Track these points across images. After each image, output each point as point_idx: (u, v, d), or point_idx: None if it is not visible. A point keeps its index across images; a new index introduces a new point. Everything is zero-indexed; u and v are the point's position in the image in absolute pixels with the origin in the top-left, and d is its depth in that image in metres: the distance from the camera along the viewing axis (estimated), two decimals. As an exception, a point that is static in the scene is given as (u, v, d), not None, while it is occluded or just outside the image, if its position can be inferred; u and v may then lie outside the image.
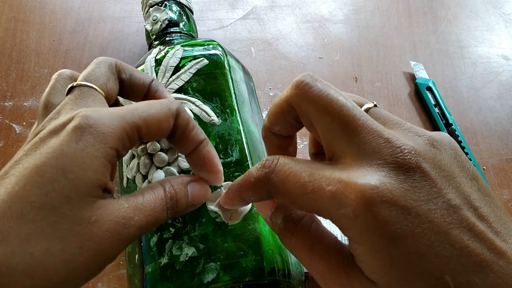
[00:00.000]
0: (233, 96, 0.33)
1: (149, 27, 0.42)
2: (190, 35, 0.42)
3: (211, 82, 0.33)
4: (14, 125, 0.46)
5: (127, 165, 0.32)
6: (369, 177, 0.17)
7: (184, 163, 0.30)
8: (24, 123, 0.46)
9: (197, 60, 0.34)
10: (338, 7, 0.57)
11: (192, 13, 0.45)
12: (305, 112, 0.20)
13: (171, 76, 0.33)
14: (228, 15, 0.55)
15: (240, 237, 0.27)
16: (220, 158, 0.30)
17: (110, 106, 0.25)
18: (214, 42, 0.36)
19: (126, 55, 0.51)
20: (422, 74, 0.51)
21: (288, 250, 0.21)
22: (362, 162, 0.18)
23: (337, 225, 0.18)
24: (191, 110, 0.32)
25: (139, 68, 0.35)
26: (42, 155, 0.19)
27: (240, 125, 0.32)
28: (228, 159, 0.30)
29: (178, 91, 0.33)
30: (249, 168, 0.30)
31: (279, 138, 0.23)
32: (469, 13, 0.57)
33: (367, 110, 0.20)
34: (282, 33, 0.54)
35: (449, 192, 0.17)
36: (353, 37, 0.54)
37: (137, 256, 0.28)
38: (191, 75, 0.33)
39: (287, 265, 0.28)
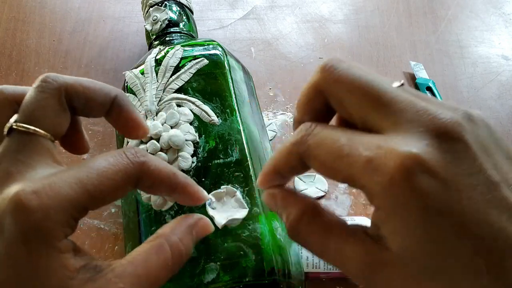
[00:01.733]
0: (233, 96, 0.33)
1: (149, 27, 0.42)
2: (190, 35, 0.42)
3: (211, 82, 0.33)
4: (14, 125, 0.46)
5: None
6: (410, 145, 0.16)
7: (184, 163, 0.30)
8: (24, 123, 0.46)
9: (197, 60, 0.34)
10: (338, 7, 0.57)
11: (192, 13, 0.45)
12: (335, 94, 0.20)
13: (171, 76, 0.33)
14: (228, 15, 0.55)
15: (240, 237, 0.27)
16: (220, 158, 0.30)
17: (60, 139, 0.22)
18: (214, 42, 0.36)
19: (126, 55, 0.51)
20: (422, 74, 0.51)
21: (301, 242, 0.20)
22: (401, 130, 0.17)
23: (366, 194, 0.17)
24: (191, 110, 0.32)
25: (139, 69, 0.35)
26: None
27: (240, 125, 0.32)
28: (228, 159, 0.30)
29: (178, 91, 0.33)
30: (249, 168, 0.30)
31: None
32: (469, 13, 0.57)
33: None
34: (282, 33, 0.54)
35: (490, 167, 0.16)
36: (353, 37, 0.54)
37: None
38: (191, 75, 0.33)
39: (287, 265, 0.28)
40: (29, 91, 0.21)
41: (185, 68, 0.34)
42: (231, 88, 0.33)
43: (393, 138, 0.17)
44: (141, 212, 0.30)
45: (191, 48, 0.35)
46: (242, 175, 0.29)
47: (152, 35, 0.42)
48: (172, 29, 0.41)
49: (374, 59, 0.53)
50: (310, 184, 0.43)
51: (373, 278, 0.17)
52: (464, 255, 0.15)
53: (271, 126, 0.47)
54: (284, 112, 0.48)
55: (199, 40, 0.37)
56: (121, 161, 0.19)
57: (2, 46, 0.52)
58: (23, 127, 0.20)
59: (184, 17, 0.43)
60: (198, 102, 0.32)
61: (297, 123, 0.22)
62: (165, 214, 0.29)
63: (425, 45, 0.54)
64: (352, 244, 0.18)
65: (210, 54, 0.35)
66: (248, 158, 0.30)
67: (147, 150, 0.30)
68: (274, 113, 0.48)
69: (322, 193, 0.43)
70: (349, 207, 0.42)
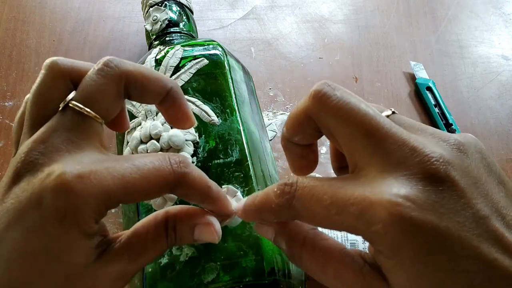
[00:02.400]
0: (233, 96, 0.33)
1: (149, 27, 0.42)
2: (190, 35, 0.42)
3: (211, 82, 0.33)
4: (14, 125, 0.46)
5: None
6: (395, 191, 0.16)
7: None
8: (24, 123, 0.46)
9: (197, 60, 0.34)
10: (338, 7, 0.57)
11: (192, 13, 0.45)
12: (325, 123, 0.20)
13: (171, 76, 0.33)
14: (228, 15, 0.55)
15: (240, 237, 0.27)
16: (220, 158, 0.30)
17: (115, 124, 0.23)
18: (214, 42, 0.36)
19: (126, 55, 0.51)
20: (422, 74, 0.51)
21: (302, 266, 0.21)
22: (387, 174, 0.17)
23: (367, 241, 0.18)
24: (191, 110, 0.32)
25: None
26: (24, 235, 0.17)
27: (240, 125, 0.32)
28: (228, 159, 0.30)
29: None
30: (249, 168, 0.30)
31: (300, 147, 0.23)
32: (469, 13, 0.57)
33: (387, 117, 0.20)
34: (282, 33, 0.54)
35: (478, 202, 0.17)
36: (353, 37, 0.54)
37: None
38: (191, 75, 0.33)
39: (287, 265, 0.28)
40: (90, 71, 0.21)
41: (185, 68, 0.34)
42: (231, 88, 0.33)
43: (378, 185, 0.17)
44: (141, 212, 0.30)
45: (191, 48, 0.35)
46: (242, 175, 0.29)
47: (152, 35, 0.42)
48: (172, 29, 0.41)
49: (374, 59, 0.53)
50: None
51: None
52: None
53: (271, 126, 0.47)
54: (284, 112, 0.48)
55: (199, 40, 0.37)
56: (165, 168, 0.19)
57: (2, 46, 0.52)
58: (79, 107, 0.20)
59: (184, 17, 0.43)
60: (198, 102, 0.32)
61: (285, 140, 0.23)
62: None
63: (425, 45, 0.54)
64: (351, 273, 0.19)
65: (210, 54, 0.35)
66: (248, 158, 0.30)
67: (147, 150, 0.30)
68: (274, 113, 0.48)
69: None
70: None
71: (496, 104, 0.50)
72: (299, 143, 0.22)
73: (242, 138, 0.31)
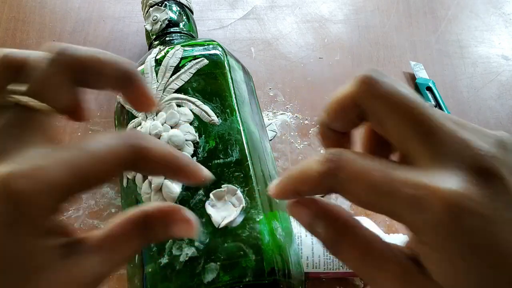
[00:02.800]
0: (233, 96, 0.33)
1: (149, 27, 0.42)
2: (190, 35, 0.42)
3: (211, 82, 0.33)
4: (14, 125, 0.46)
5: None
6: (452, 182, 0.16)
7: None
8: (24, 123, 0.46)
9: (197, 60, 0.34)
10: (338, 7, 0.57)
11: (192, 13, 0.45)
12: (373, 110, 0.19)
13: (171, 76, 0.33)
14: (228, 15, 0.55)
15: (239, 237, 0.27)
16: (220, 158, 0.30)
17: (70, 114, 0.21)
18: (214, 42, 0.36)
19: (126, 55, 0.51)
20: (422, 74, 0.51)
21: (340, 260, 0.20)
22: (441, 165, 0.17)
23: (410, 228, 0.17)
24: (191, 110, 0.32)
25: (139, 68, 0.35)
26: None
27: (240, 125, 0.32)
28: (228, 159, 0.30)
29: (178, 91, 0.33)
30: (249, 168, 0.30)
31: (337, 134, 0.22)
32: (469, 13, 0.57)
33: None
34: (282, 33, 0.54)
35: None
36: (353, 37, 0.54)
37: (137, 256, 0.28)
38: (191, 75, 0.33)
39: (287, 265, 0.28)
40: (39, 60, 0.19)
41: (185, 68, 0.33)
42: (231, 88, 0.33)
43: (434, 175, 0.17)
44: None
45: (191, 48, 0.35)
46: (242, 175, 0.29)
47: (152, 35, 0.42)
48: (172, 29, 0.41)
49: (374, 59, 0.53)
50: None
51: None
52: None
53: (271, 126, 0.47)
54: (284, 112, 0.48)
55: (199, 40, 0.37)
56: (116, 143, 0.18)
57: (2, 46, 0.51)
58: (25, 101, 0.18)
59: (184, 17, 0.43)
60: (198, 102, 0.32)
61: (324, 126, 0.22)
62: None
63: (425, 45, 0.54)
64: (393, 265, 0.18)
65: (210, 54, 0.35)
66: (248, 158, 0.30)
67: None
68: (274, 113, 0.48)
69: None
70: (349, 207, 0.42)
71: (496, 104, 0.50)
72: (338, 129, 0.21)
73: (242, 138, 0.31)
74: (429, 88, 0.49)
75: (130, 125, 0.33)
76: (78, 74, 0.20)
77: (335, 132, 0.22)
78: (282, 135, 0.46)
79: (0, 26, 0.53)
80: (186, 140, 0.30)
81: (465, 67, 0.53)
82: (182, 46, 0.35)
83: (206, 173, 0.21)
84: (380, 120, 0.19)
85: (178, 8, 0.43)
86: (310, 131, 0.47)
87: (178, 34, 0.41)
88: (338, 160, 0.18)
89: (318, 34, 0.54)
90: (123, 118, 0.35)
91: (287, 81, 0.50)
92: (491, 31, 0.56)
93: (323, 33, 0.55)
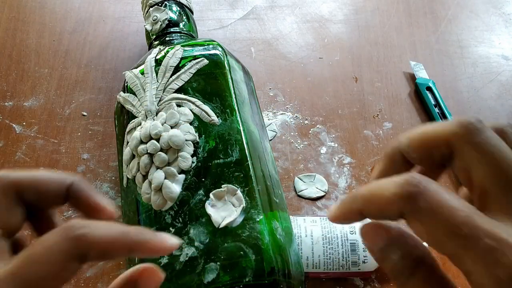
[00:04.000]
0: (233, 96, 0.33)
1: (149, 27, 0.42)
2: (190, 35, 0.42)
3: (211, 82, 0.33)
4: (14, 125, 0.46)
5: (127, 165, 0.32)
6: None
7: (184, 163, 0.30)
8: (24, 123, 0.46)
9: (197, 60, 0.34)
10: (338, 7, 0.57)
11: (192, 13, 0.45)
12: (465, 157, 0.18)
13: (171, 76, 0.33)
14: (228, 15, 0.55)
15: (239, 237, 0.27)
16: (220, 158, 0.30)
17: (14, 238, 0.21)
18: (214, 42, 0.36)
19: (126, 55, 0.51)
20: (422, 74, 0.51)
21: None
22: None
23: (469, 277, 0.16)
24: (191, 110, 0.32)
25: (139, 69, 0.35)
26: None
27: (240, 125, 0.32)
28: (228, 159, 0.30)
29: (178, 91, 0.33)
30: (249, 168, 0.30)
31: (406, 166, 0.21)
32: (469, 13, 0.57)
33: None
34: (282, 33, 0.54)
35: None
36: (353, 37, 0.54)
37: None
38: (191, 75, 0.33)
39: (287, 265, 0.28)
40: None
41: (185, 68, 0.33)
42: (231, 88, 0.33)
43: None
44: (141, 212, 0.30)
45: (191, 48, 0.35)
46: (242, 175, 0.29)
47: (152, 35, 0.42)
48: (172, 29, 0.41)
49: (374, 59, 0.53)
50: (310, 184, 0.43)
51: None
52: None
53: (271, 126, 0.47)
54: (284, 112, 0.48)
55: (199, 40, 0.37)
56: (57, 241, 0.18)
57: (2, 46, 0.52)
58: None
59: (184, 17, 0.43)
60: (198, 102, 0.32)
61: (396, 151, 0.21)
62: (165, 214, 0.29)
63: (425, 45, 0.54)
64: None
65: (210, 54, 0.35)
66: (248, 158, 0.30)
67: (147, 150, 0.30)
68: (274, 113, 0.48)
69: (322, 193, 0.43)
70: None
71: (496, 104, 0.50)
72: (412, 162, 0.21)
73: (242, 138, 0.31)
74: (429, 88, 0.49)
75: (130, 125, 0.33)
76: (19, 195, 0.20)
77: (405, 162, 0.21)
78: (282, 135, 0.46)
79: (0, 26, 0.53)
80: (186, 140, 0.30)
81: (465, 67, 0.53)
82: (182, 46, 0.35)
83: (172, 241, 0.20)
84: (468, 169, 0.18)
85: (178, 8, 0.43)
86: (310, 131, 0.47)
87: (178, 34, 0.41)
88: (420, 186, 0.17)
89: (318, 34, 0.54)
90: (123, 118, 0.35)
91: (287, 81, 0.50)
92: (491, 31, 0.56)
93: (323, 33, 0.54)
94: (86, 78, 0.49)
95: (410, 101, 0.50)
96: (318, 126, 0.47)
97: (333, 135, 0.47)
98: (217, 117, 0.32)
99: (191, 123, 0.31)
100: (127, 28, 0.53)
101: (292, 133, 0.47)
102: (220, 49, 0.35)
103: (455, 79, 0.52)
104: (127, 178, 0.32)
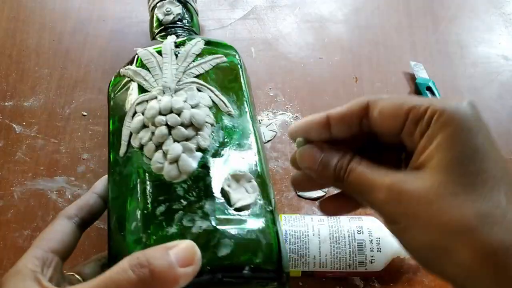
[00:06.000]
0: (246, 96, 0.34)
1: (161, 16, 0.42)
2: (195, 33, 0.43)
3: (227, 78, 0.34)
4: (14, 125, 0.46)
5: (136, 134, 0.31)
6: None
7: (203, 142, 0.30)
8: (24, 123, 0.46)
9: (217, 55, 0.35)
10: (338, 7, 0.57)
11: (197, 14, 0.46)
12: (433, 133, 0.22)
13: (190, 64, 0.34)
14: (228, 15, 0.55)
15: (252, 222, 0.28)
16: (234, 147, 0.31)
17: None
18: (230, 45, 0.37)
19: (126, 55, 0.51)
20: (422, 74, 0.51)
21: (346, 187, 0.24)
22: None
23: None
24: (210, 97, 0.32)
25: (153, 47, 0.35)
26: None
27: (251, 123, 0.32)
28: (242, 149, 0.31)
29: (197, 77, 0.34)
30: (261, 162, 0.31)
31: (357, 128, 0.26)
32: (469, 13, 0.57)
33: None
34: (282, 33, 0.54)
35: None
36: (353, 37, 0.54)
37: (135, 223, 0.28)
38: (211, 66, 0.34)
39: (286, 268, 0.28)
40: None
41: (206, 59, 0.34)
42: (244, 88, 0.34)
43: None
44: (146, 181, 0.30)
45: (210, 44, 0.36)
46: (254, 167, 0.30)
47: (161, 25, 0.42)
48: (180, 24, 0.42)
49: (374, 59, 0.53)
50: (310, 184, 0.43)
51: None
52: None
53: (271, 126, 0.47)
54: (284, 112, 0.48)
55: (218, 40, 0.38)
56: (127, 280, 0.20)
57: (2, 46, 0.52)
58: None
59: (193, 16, 0.44)
60: (217, 92, 0.33)
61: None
62: (177, 186, 0.28)
63: (425, 45, 0.54)
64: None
65: (228, 54, 0.36)
66: (260, 153, 0.31)
67: (166, 122, 0.30)
68: (274, 113, 0.48)
69: (322, 193, 0.43)
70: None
71: (496, 104, 0.50)
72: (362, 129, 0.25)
73: (253, 134, 0.32)
74: (429, 88, 0.49)
75: (142, 97, 0.32)
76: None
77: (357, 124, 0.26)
78: (282, 135, 0.46)
79: (0, 26, 0.53)
80: (206, 122, 0.31)
81: (465, 67, 0.53)
82: (203, 39, 0.36)
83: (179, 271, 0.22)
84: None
85: (189, 7, 0.44)
86: (310, 131, 0.47)
87: (187, 30, 0.42)
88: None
89: (318, 34, 0.54)
90: (126, 90, 0.34)
91: (287, 81, 0.50)
92: (491, 31, 0.56)
93: (323, 33, 0.54)
94: (86, 78, 0.49)
95: (410, 101, 0.50)
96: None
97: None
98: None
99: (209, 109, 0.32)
100: (127, 28, 0.53)
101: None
102: (236, 51, 0.37)
103: (455, 79, 0.52)
104: (127, 147, 0.32)
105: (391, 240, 0.36)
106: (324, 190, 0.43)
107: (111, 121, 0.34)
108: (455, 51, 0.54)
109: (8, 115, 0.47)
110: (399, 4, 0.57)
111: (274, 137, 0.46)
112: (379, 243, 0.36)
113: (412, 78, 0.51)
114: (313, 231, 0.37)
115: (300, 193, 0.43)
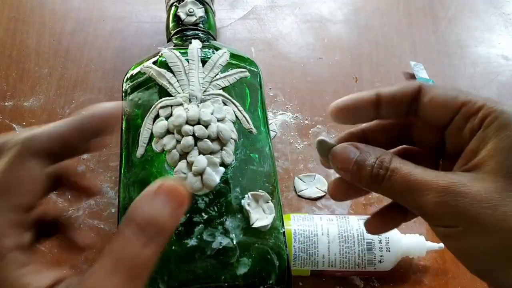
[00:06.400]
0: (263, 113, 0.35)
1: (183, 16, 0.41)
2: (213, 37, 0.42)
3: (248, 94, 0.35)
4: (14, 125, 0.46)
5: (158, 138, 0.31)
6: None
7: (227, 158, 0.30)
8: (24, 123, 0.46)
9: (241, 69, 0.35)
10: (338, 7, 0.57)
11: (214, 15, 0.45)
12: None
13: (216, 75, 0.34)
14: (228, 15, 0.55)
15: (267, 242, 0.29)
16: (254, 165, 0.31)
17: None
18: (251, 60, 0.38)
19: (126, 55, 0.51)
20: (422, 74, 0.51)
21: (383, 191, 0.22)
22: None
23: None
24: (234, 113, 0.32)
25: (178, 51, 0.35)
26: None
27: (268, 142, 0.33)
28: (260, 169, 0.31)
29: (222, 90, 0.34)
30: (276, 184, 0.32)
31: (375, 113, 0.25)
32: (469, 13, 0.57)
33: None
34: (282, 33, 0.54)
35: None
36: (353, 37, 0.54)
37: None
38: (235, 80, 0.34)
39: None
40: None
41: (231, 72, 0.34)
42: (261, 105, 0.35)
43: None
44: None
45: (235, 57, 0.36)
46: (271, 187, 0.31)
47: (182, 24, 0.41)
48: (202, 27, 0.41)
49: (374, 59, 0.53)
50: (310, 184, 0.43)
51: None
52: None
53: (271, 126, 0.47)
54: (284, 112, 0.48)
55: (241, 53, 0.38)
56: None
57: (2, 46, 0.52)
58: None
59: (211, 21, 0.43)
60: (241, 108, 0.33)
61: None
62: (198, 199, 0.29)
63: (425, 45, 0.54)
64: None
65: (250, 69, 0.36)
66: (275, 174, 0.32)
67: (194, 133, 0.30)
68: (274, 113, 0.48)
69: (322, 193, 0.43)
70: (349, 207, 0.42)
71: (496, 104, 0.50)
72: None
73: (270, 154, 0.33)
74: (429, 88, 0.49)
75: (167, 101, 0.32)
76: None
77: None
78: (282, 135, 0.46)
79: (0, 26, 0.53)
80: (231, 138, 0.31)
81: (465, 67, 0.53)
82: (229, 50, 0.36)
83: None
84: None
85: (207, 10, 0.43)
86: (310, 131, 0.47)
87: (206, 34, 0.41)
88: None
89: (318, 34, 0.54)
90: (142, 88, 0.34)
91: (287, 81, 0.50)
92: (491, 31, 0.56)
93: (323, 33, 0.54)
94: (86, 78, 0.49)
95: (410, 101, 0.50)
96: (318, 126, 0.47)
97: (333, 135, 0.46)
98: None
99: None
100: (127, 28, 0.53)
101: (292, 133, 0.47)
102: (256, 67, 0.37)
103: (455, 79, 0.52)
104: (145, 150, 0.31)
105: (400, 239, 0.36)
106: (324, 190, 0.43)
107: (124, 118, 0.34)
108: (455, 51, 0.54)
109: (8, 115, 0.47)
110: (399, 4, 0.57)
111: (274, 137, 0.46)
112: (388, 242, 0.36)
113: (412, 78, 0.51)
114: (322, 230, 0.37)
115: (300, 193, 0.43)
